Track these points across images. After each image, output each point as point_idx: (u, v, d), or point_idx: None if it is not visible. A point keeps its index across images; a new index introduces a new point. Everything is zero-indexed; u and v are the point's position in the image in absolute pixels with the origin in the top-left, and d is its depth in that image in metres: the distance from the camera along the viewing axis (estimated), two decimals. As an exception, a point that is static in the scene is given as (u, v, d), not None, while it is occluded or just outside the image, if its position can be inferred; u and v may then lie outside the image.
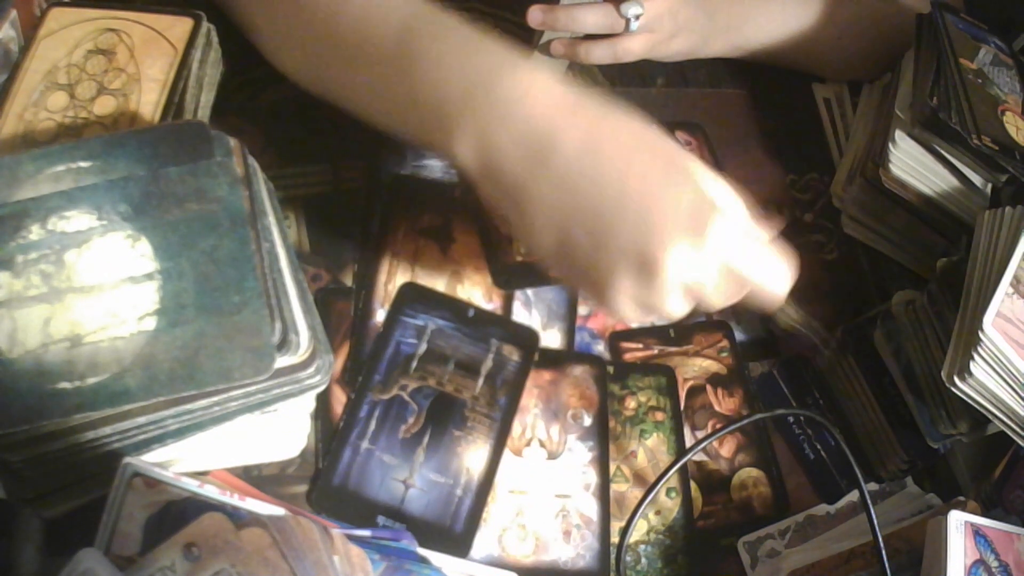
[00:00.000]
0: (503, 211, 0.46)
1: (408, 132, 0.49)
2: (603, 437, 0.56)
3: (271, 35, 0.55)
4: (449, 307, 0.57)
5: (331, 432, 0.53)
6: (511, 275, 0.59)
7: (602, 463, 0.55)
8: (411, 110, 0.47)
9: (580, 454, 0.56)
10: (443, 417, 0.54)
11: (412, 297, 0.57)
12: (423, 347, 0.56)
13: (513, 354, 0.57)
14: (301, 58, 0.54)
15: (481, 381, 0.56)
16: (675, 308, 0.44)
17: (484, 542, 0.52)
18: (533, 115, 0.44)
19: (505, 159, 0.44)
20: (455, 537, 0.52)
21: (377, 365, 0.55)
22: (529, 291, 0.59)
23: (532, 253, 0.46)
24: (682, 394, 0.59)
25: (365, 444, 0.53)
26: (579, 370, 0.58)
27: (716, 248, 0.42)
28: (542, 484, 0.54)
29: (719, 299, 0.45)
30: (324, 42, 0.51)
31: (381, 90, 0.49)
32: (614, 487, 0.55)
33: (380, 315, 0.57)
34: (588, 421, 0.56)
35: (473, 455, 0.54)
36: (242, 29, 0.57)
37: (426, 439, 0.54)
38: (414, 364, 0.55)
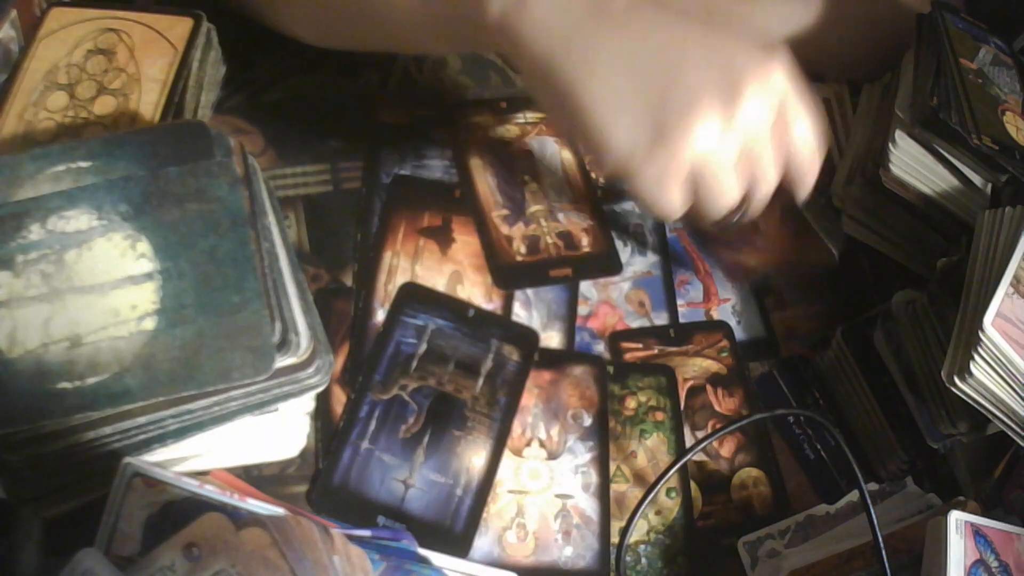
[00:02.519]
0: (551, 75, 0.44)
1: (433, 16, 0.48)
2: (603, 437, 0.56)
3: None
4: (449, 307, 0.57)
5: (331, 432, 0.53)
6: (511, 275, 0.59)
7: (602, 463, 0.55)
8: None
9: (580, 454, 0.56)
10: (443, 417, 0.54)
11: (412, 297, 0.57)
12: (423, 347, 0.56)
13: (513, 354, 0.57)
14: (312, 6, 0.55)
15: (481, 381, 0.56)
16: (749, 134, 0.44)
17: (484, 542, 0.52)
18: None
19: (557, 12, 0.42)
20: (455, 537, 0.52)
21: (377, 365, 0.55)
22: (529, 291, 0.59)
23: (593, 114, 0.43)
24: (682, 394, 0.59)
25: (365, 444, 0.53)
26: (579, 370, 0.58)
27: (785, 81, 0.43)
28: (542, 484, 0.54)
29: (768, 180, 0.45)
30: None
31: None
32: (614, 487, 0.55)
33: (380, 315, 0.57)
34: (588, 421, 0.56)
35: (473, 455, 0.54)
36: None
37: (426, 439, 0.54)
38: (414, 364, 0.55)
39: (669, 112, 0.42)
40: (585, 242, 0.61)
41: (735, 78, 0.42)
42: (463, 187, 0.62)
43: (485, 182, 0.62)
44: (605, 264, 0.61)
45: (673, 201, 0.45)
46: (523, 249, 0.60)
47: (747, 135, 0.43)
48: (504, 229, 0.60)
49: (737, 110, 0.42)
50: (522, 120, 0.65)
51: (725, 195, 0.45)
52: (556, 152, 0.65)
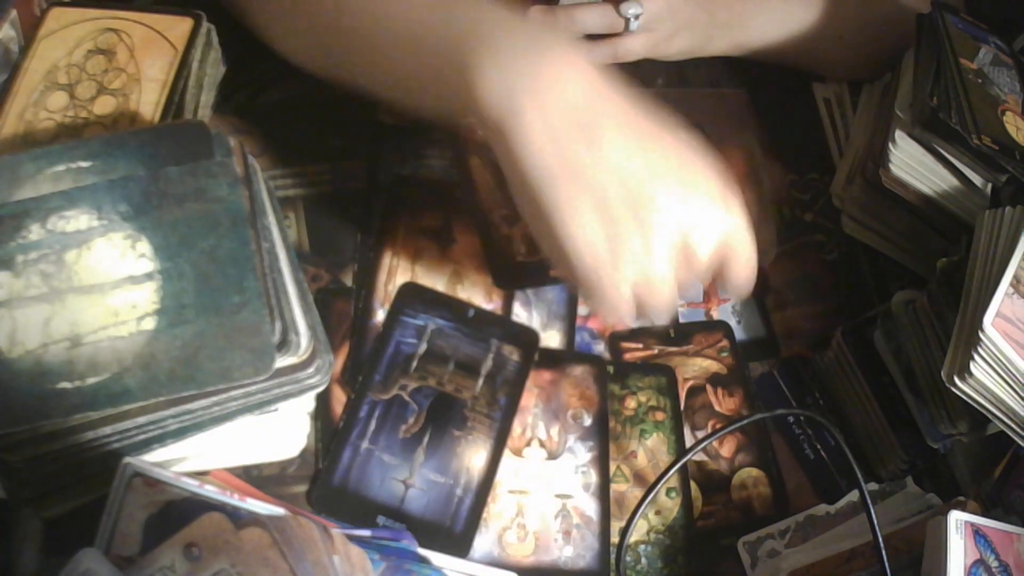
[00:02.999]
0: (528, 188, 0.45)
1: (424, 88, 0.50)
2: (603, 437, 0.56)
3: (273, 23, 0.56)
4: (449, 307, 0.57)
5: (331, 432, 0.53)
6: (511, 275, 0.59)
7: (602, 463, 0.55)
8: (433, 63, 0.48)
9: (580, 454, 0.56)
10: (443, 417, 0.54)
11: (412, 297, 0.57)
12: (423, 347, 0.56)
13: (513, 354, 0.57)
14: (305, 37, 0.55)
15: (481, 381, 0.56)
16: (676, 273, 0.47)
17: (484, 542, 0.52)
18: (576, 93, 0.45)
19: (548, 135, 0.44)
20: (455, 537, 0.52)
21: (377, 365, 0.55)
22: (529, 291, 0.59)
23: (561, 236, 0.45)
24: (682, 394, 0.59)
25: (365, 444, 0.53)
26: (579, 370, 0.58)
27: (737, 221, 0.48)
28: (542, 484, 0.54)
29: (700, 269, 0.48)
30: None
31: (401, 45, 0.49)
32: (614, 487, 0.55)
33: (380, 315, 0.57)
34: (588, 421, 0.56)
35: (473, 455, 0.54)
36: (242, 18, 0.58)
37: (426, 439, 0.54)
38: (414, 364, 0.55)
39: (624, 247, 0.45)
40: None
41: (703, 234, 0.46)
42: (463, 187, 0.62)
43: (485, 182, 0.62)
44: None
45: (621, 307, 0.47)
46: (523, 249, 0.60)
47: (688, 259, 0.47)
48: (504, 229, 0.60)
49: (695, 261, 0.47)
50: None
51: (664, 311, 0.48)
52: None
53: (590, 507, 0.54)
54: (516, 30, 0.47)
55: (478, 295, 0.58)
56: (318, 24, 0.53)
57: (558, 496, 0.54)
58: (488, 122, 0.45)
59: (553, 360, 0.58)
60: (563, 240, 0.45)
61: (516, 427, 0.55)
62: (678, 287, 0.48)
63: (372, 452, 0.53)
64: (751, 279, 0.50)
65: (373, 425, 0.53)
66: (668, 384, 0.59)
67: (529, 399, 0.56)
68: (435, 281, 0.58)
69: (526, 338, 0.57)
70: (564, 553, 0.53)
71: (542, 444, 0.55)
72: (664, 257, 0.46)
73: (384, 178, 0.61)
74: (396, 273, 0.58)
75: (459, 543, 0.51)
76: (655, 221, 0.45)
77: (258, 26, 0.58)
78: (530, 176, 0.45)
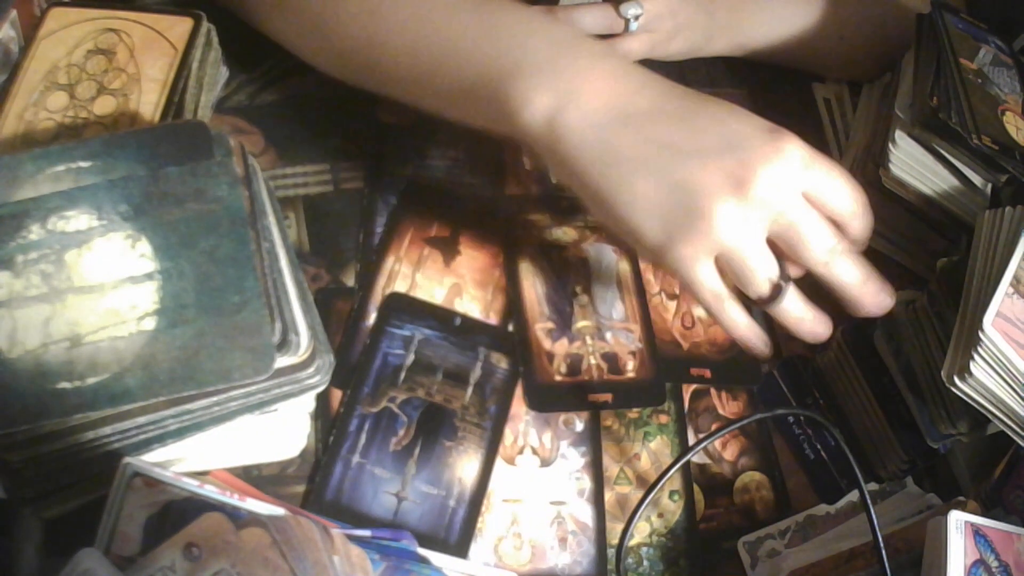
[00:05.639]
0: (583, 179, 0.47)
1: (462, 102, 0.52)
2: (596, 442, 0.56)
3: (302, 43, 0.57)
4: (435, 316, 0.57)
5: (330, 432, 0.53)
6: (546, 396, 0.56)
7: (595, 468, 0.55)
8: (470, 74, 0.50)
9: (573, 460, 0.55)
10: (433, 428, 0.54)
11: (398, 307, 0.57)
12: (410, 358, 0.55)
13: (501, 361, 0.56)
14: (339, 58, 0.56)
15: (470, 390, 0.55)
16: (760, 243, 0.47)
17: (480, 552, 0.52)
18: (613, 90, 0.48)
19: (590, 124, 0.47)
20: (450, 548, 0.51)
21: (365, 377, 0.54)
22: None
23: (624, 218, 0.47)
24: (686, 397, 0.59)
25: (356, 458, 0.52)
26: (572, 373, 0.57)
27: (798, 152, 0.47)
28: (536, 492, 0.54)
29: (815, 238, 0.47)
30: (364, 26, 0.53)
31: (437, 58, 0.51)
32: (618, 489, 0.55)
33: (373, 319, 0.56)
34: (580, 426, 0.56)
35: (465, 465, 0.53)
36: (259, 24, 0.59)
37: (417, 451, 0.53)
38: (402, 375, 0.55)
39: (687, 209, 0.46)
40: (630, 367, 0.58)
41: (747, 163, 0.45)
42: (510, 291, 0.59)
43: (533, 289, 0.59)
44: (648, 394, 0.57)
45: (706, 280, 0.47)
46: (563, 368, 0.57)
47: (771, 211, 0.46)
48: (547, 344, 0.57)
49: (751, 192, 0.45)
50: (582, 224, 0.62)
51: (755, 273, 0.47)
52: (613, 263, 0.61)
53: (585, 513, 0.54)
54: (550, 42, 0.49)
55: (476, 310, 0.58)
56: (350, 46, 0.54)
57: (552, 503, 0.54)
58: (539, 142, 0.48)
59: (544, 364, 0.57)
60: (625, 229, 0.47)
61: (508, 435, 0.55)
62: (766, 254, 0.47)
63: (363, 466, 0.52)
64: (853, 208, 0.49)
65: (363, 439, 0.53)
66: (672, 387, 0.58)
67: (520, 406, 0.56)
68: (433, 291, 0.58)
69: (514, 344, 0.57)
70: (560, 560, 0.53)
71: (535, 451, 0.55)
72: (726, 222, 0.45)
73: (387, 179, 0.61)
74: (396, 279, 0.58)
75: (454, 554, 0.51)
76: (705, 191, 0.45)
77: (285, 43, 0.58)
78: (583, 171, 0.47)
